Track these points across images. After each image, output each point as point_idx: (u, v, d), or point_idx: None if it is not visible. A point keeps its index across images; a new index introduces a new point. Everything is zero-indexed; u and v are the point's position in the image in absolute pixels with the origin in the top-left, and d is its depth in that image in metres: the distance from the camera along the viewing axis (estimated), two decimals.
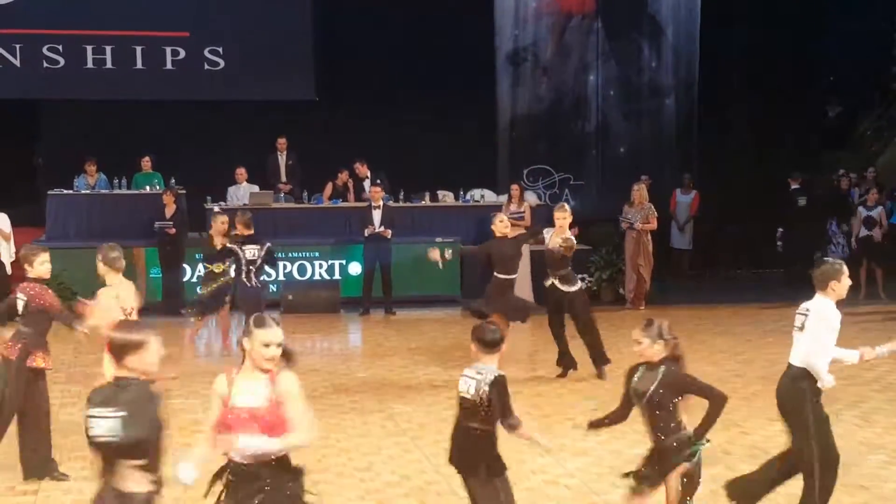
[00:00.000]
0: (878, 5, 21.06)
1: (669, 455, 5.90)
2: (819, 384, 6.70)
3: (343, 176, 17.55)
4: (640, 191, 16.40)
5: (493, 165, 19.94)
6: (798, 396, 6.74)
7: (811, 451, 6.68)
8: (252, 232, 12.69)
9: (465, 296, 16.73)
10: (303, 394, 5.02)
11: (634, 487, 5.99)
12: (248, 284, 12.45)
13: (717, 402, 5.91)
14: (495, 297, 11.23)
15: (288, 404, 4.96)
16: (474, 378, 5.85)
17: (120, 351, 4.65)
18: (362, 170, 17.15)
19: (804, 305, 6.85)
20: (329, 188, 17.44)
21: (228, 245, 12.68)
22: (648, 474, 5.97)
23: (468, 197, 17.77)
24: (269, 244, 12.81)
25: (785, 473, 7.02)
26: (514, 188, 16.78)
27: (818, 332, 6.66)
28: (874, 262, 16.73)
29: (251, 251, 12.49)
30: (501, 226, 11.36)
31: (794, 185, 18.28)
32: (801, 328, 6.79)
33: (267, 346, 4.96)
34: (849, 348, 6.83)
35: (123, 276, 8.29)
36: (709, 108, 20.15)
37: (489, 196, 17.92)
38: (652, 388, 5.92)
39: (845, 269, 6.82)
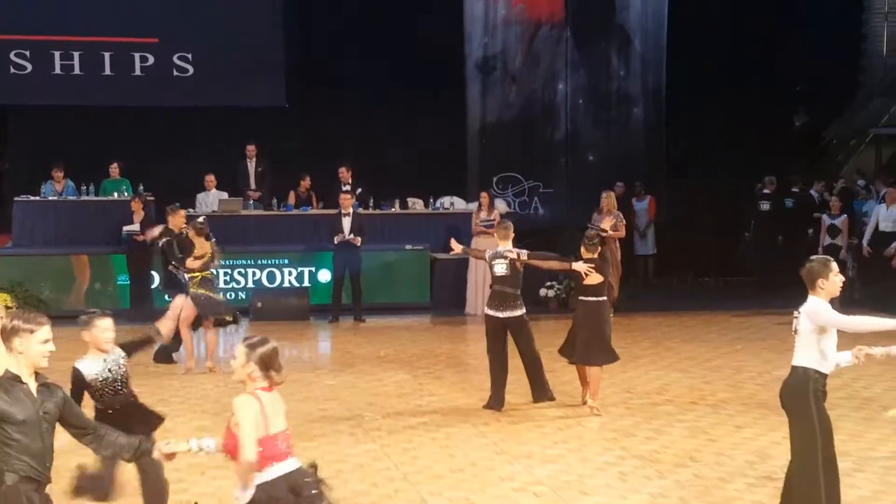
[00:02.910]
0: (845, 15, 21.27)
1: None
2: (827, 369, 6.56)
3: (305, 183, 17.54)
4: (608, 198, 16.48)
5: (463, 173, 19.95)
6: (801, 396, 6.57)
7: (816, 458, 6.56)
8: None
9: (435, 304, 16.74)
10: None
11: None
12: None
13: None
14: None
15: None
16: None
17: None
18: (346, 175, 17.11)
19: (799, 309, 6.64)
20: (292, 197, 17.40)
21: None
22: None
23: (438, 204, 17.79)
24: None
25: None
26: (484, 196, 16.82)
27: (812, 333, 6.50)
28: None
29: None
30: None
31: (766, 190, 18.88)
32: (795, 332, 6.61)
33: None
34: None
35: None
36: (677, 117, 20.27)
37: (459, 203, 17.95)
38: None
39: (833, 265, 6.64)
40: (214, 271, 12.74)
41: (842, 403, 10.26)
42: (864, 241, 16.82)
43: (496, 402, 10.30)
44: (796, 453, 6.70)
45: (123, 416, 6.22)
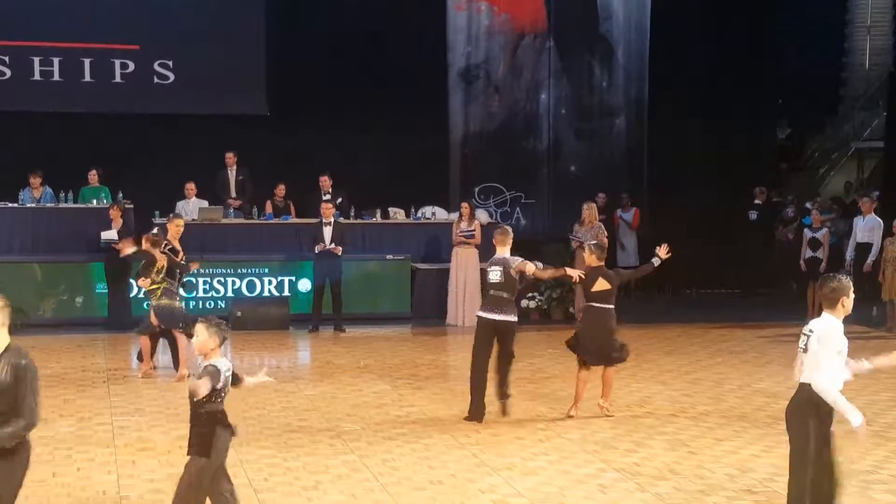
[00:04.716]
0: (827, 29, 21.39)
1: None
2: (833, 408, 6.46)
3: (279, 191, 17.46)
4: (590, 210, 16.49)
5: (445, 183, 19.93)
6: (803, 414, 6.50)
7: (805, 475, 6.47)
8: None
9: (416, 314, 16.69)
10: None
11: None
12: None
13: None
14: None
15: None
16: None
17: None
18: (326, 184, 17.04)
19: (809, 325, 6.58)
20: (269, 206, 17.28)
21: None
22: None
23: (419, 214, 17.74)
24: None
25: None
26: (465, 206, 16.74)
27: (820, 355, 6.39)
28: (817, 283, 16.91)
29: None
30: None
31: (757, 201, 19.20)
32: (805, 349, 6.50)
33: None
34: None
35: None
36: (659, 129, 20.30)
37: (440, 213, 17.91)
38: None
39: (851, 284, 6.66)
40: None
41: None
42: (848, 255, 16.87)
43: (477, 413, 10.24)
44: (790, 469, 6.65)
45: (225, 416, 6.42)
